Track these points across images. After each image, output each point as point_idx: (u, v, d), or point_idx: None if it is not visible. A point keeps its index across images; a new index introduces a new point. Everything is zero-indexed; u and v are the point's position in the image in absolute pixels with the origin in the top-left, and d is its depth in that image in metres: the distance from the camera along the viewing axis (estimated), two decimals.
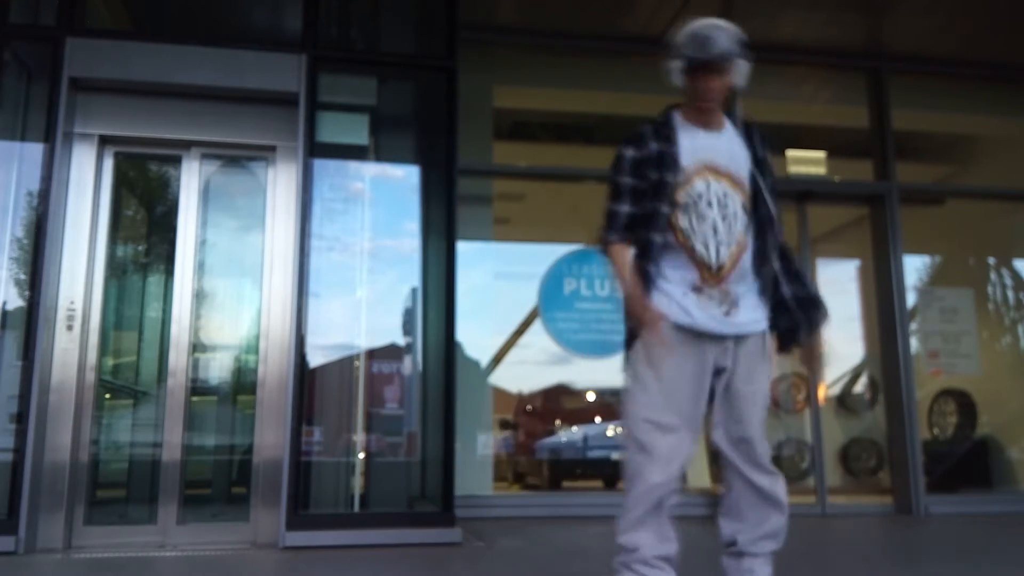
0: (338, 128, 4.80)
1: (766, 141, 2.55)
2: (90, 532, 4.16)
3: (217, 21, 4.82)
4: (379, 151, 4.92)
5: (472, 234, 5.85)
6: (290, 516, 4.07)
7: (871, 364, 6.57)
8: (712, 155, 2.45)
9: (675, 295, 2.39)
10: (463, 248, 4.76)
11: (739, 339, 2.42)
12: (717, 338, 2.39)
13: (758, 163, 2.51)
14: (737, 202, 2.43)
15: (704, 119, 2.49)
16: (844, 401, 6.90)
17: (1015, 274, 6.81)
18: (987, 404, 6.52)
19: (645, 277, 2.41)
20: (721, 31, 2.41)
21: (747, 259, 2.44)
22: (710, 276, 2.39)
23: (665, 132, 2.47)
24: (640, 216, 2.43)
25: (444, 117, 4.72)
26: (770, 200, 2.49)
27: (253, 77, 4.50)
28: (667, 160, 2.42)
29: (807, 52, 6.18)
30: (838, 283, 7.01)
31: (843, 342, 6.89)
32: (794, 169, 6.31)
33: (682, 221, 2.41)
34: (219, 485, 4.48)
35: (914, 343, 6.13)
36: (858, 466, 6.65)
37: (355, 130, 4.87)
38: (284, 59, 4.53)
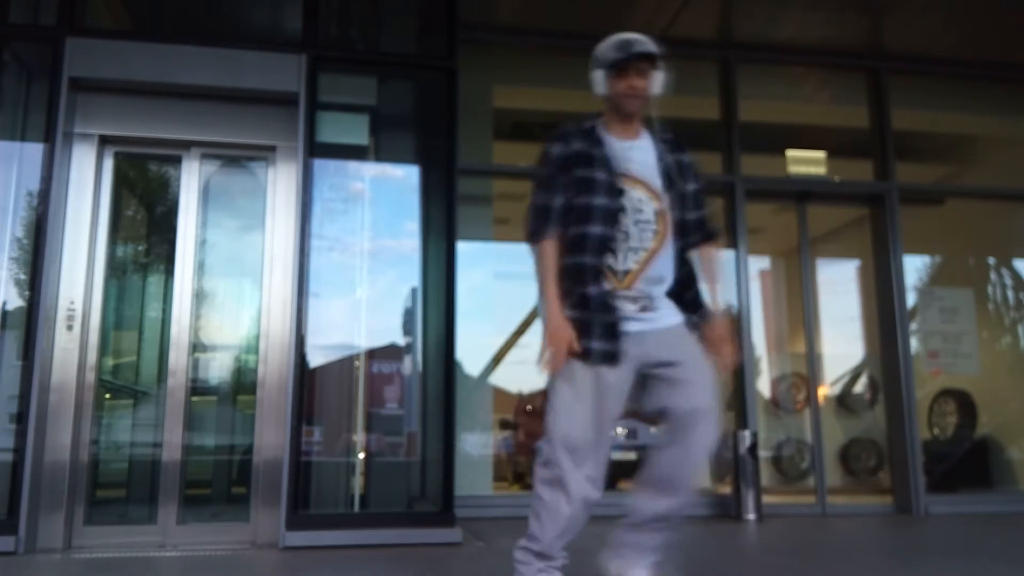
0: (338, 128, 4.80)
1: (685, 148, 2.65)
2: (90, 532, 4.16)
3: (217, 21, 4.82)
4: (379, 151, 4.92)
5: (472, 234, 5.85)
6: (290, 516, 4.07)
7: (871, 364, 6.57)
8: (628, 165, 2.52)
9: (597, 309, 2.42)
10: (463, 248, 4.76)
11: (658, 334, 2.46)
12: (635, 337, 2.43)
13: (680, 169, 2.59)
14: (651, 209, 2.50)
15: (623, 129, 2.57)
16: (844, 401, 6.90)
17: (1015, 274, 6.81)
18: (987, 404, 6.52)
19: (581, 271, 2.44)
20: (642, 38, 2.51)
21: (659, 265, 2.49)
22: (617, 283, 2.46)
23: (590, 137, 2.55)
24: (573, 210, 2.49)
25: (444, 117, 4.72)
26: (690, 203, 2.59)
27: (253, 77, 4.50)
28: (596, 160, 2.50)
29: (807, 52, 6.18)
30: (838, 283, 7.01)
31: (843, 342, 6.90)
32: (794, 169, 6.32)
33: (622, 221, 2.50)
34: (219, 485, 4.48)
35: (914, 343, 6.13)
36: (858, 466, 6.65)
37: (355, 130, 4.87)
38: (284, 59, 4.53)
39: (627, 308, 2.44)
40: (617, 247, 2.46)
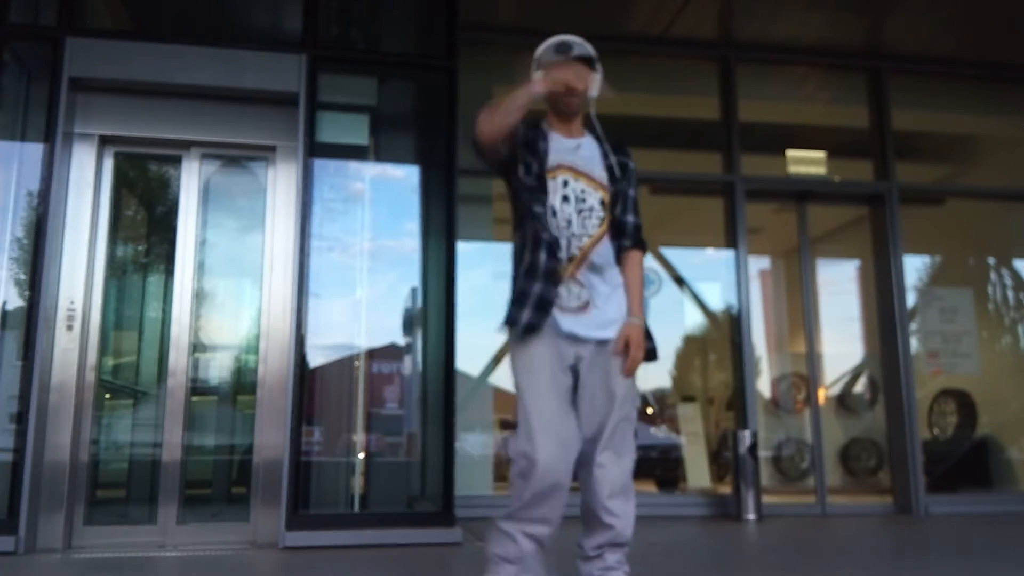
0: (338, 128, 4.80)
1: (628, 152, 2.69)
2: (90, 532, 4.16)
3: (217, 21, 4.82)
4: (379, 151, 4.93)
5: (472, 234, 5.85)
6: (290, 516, 4.07)
7: (871, 364, 6.58)
8: (572, 158, 2.58)
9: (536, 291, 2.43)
10: (463, 248, 4.76)
11: (597, 343, 2.46)
12: (573, 339, 2.43)
13: (623, 170, 2.65)
14: (595, 198, 2.55)
15: (565, 128, 2.63)
16: (844, 401, 6.90)
17: (1015, 274, 6.82)
18: (987, 404, 6.52)
19: (535, 240, 2.47)
20: (578, 40, 2.58)
21: (601, 253, 2.52)
22: (561, 270, 2.46)
23: (536, 130, 2.62)
24: (526, 185, 2.56)
25: (444, 117, 4.72)
26: (629, 206, 2.64)
27: (253, 77, 4.50)
28: (537, 149, 2.56)
29: (807, 52, 6.18)
30: (838, 283, 7.01)
31: (843, 342, 6.90)
32: (794, 169, 6.32)
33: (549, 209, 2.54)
34: (219, 485, 4.48)
35: (914, 343, 6.14)
36: (858, 466, 6.65)
37: (355, 130, 4.87)
38: (284, 59, 4.53)
39: (566, 300, 2.44)
40: (560, 234, 2.49)
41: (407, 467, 4.56)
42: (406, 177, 4.96)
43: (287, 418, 4.16)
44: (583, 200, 2.53)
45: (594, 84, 2.60)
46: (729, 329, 6.00)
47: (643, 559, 3.65)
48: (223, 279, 4.59)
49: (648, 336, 2.54)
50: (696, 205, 6.70)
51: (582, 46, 2.58)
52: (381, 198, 4.79)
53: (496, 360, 6.04)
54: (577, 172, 2.56)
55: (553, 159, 2.56)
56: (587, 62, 2.58)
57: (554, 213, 2.50)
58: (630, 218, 2.64)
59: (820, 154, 6.39)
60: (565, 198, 2.52)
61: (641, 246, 2.66)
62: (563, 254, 2.47)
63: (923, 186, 6.56)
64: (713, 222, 6.04)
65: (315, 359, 4.42)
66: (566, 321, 2.42)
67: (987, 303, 6.71)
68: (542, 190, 2.52)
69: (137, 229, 4.64)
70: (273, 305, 4.46)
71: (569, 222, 2.50)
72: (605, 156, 2.63)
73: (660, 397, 7.35)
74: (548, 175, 2.54)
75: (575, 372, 2.46)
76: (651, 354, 2.53)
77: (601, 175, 2.59)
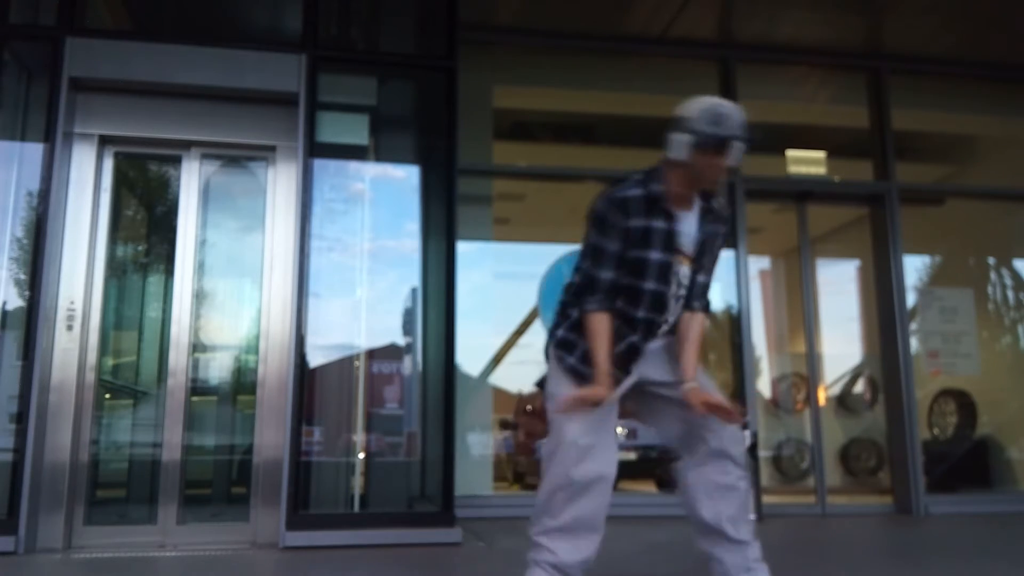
0: (338, 128, 4.80)
1: (726, 220, 2.57)
2: (90, 532, 4.16)
3: (217, 21, 4.82)
4: (379, 151, 4.92)
5: (472, 234, 5.85)
6: (290, 516, 4.07)
7: (871, 364, 6.57)
8: (684, 240, 2.48)
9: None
10: (463, 248, 4.76)
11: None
12: None
13: (715, 240, 2.54)
14: (688, 279, 2.50)
15: (686, 199, 2.47)
16: (844, 401, 6.90)
17: (1015, 274, 6.81)
18: (987, 404, 6.52)
19: (632, 352, 2.50)
20: (736, 110, 2.35)
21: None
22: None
23: (656, 208, 2.42)
24: (622, 286, 2.46)
25: (444, 117, 4.72)
26: (705, 269, 2.56)
27: (253, 77, 4.50)
28: (654, 238, 2.41)
29: (807, 52, 6.18)
30: (838, 283, 7.01)
31: (843, 342, 6.90)
32: (794, 169, 6.31)
33: (669, 299, 2.50)
34: (219, 485, 4.48)
35: (914, 343, 6.13)
36: (858, 466, 6.65)
37: (355, 130, 4.87)
38: (284, 59, 4.53)
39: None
40: (659, 319, 2.50)
41: (407, 467, 4.56)
42: (406, 177, 4.96)
43: (287, 418, 4.16)
44: (681, 285, 2.48)
45: (736, 155, 2.36)
46: (729, 329, 5.99)
47: (643, 559, 3.65)
48: (223, 279, 4.59)
49: None
50: None
51: (742, 126, 2.33)
52: (381, 198, 4.79)
53: (496, 360, 6.04)
54: (683, 256, 2.47)
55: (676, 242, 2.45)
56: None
57: (664, 308, 2.48)
58: (701, 278, 2.54)
59: (820, 154, 6.39)
60: (679, 284, 2.48)
61: (706, 308, 2.59)
62: (659, 331, 2.52)
63: (923, 186, 6.56)
64: None
65: (315, 359, 4.41)
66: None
67: (987, 303, 6.71)
68: (654, 272, 2.44)
69: (137, 229, 4.64)
70: (273, 305, 4.46)
71: (668, 310, 2.48)
72: (701, 227, 2.49)
73: None
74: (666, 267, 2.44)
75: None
76: None
77: (693, 250, 2.49)
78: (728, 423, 2.44)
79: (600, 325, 2.41)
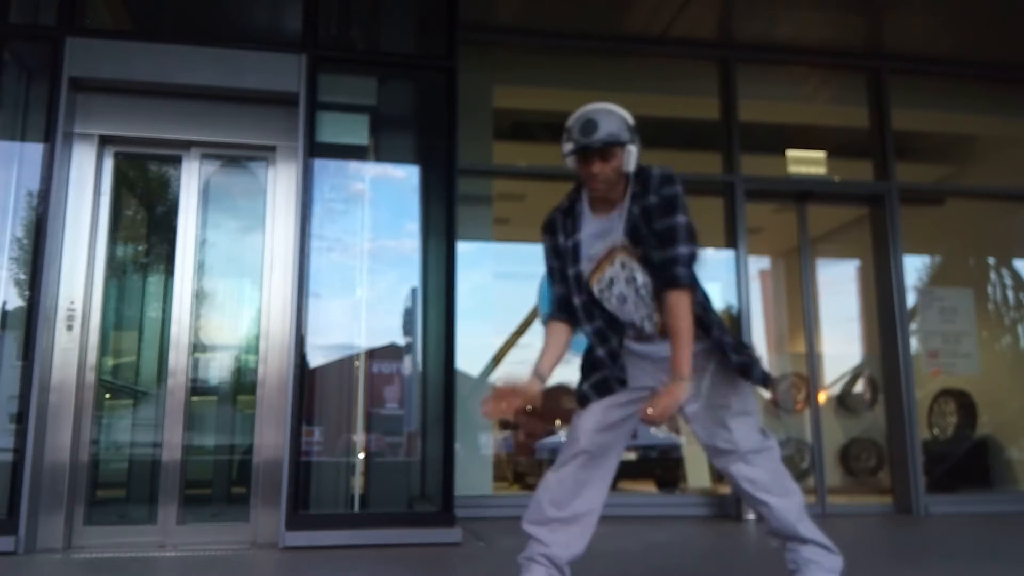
0: (338, 128, 4.80)
1: (649, 189, 2.46)
2: (90, 532, 4.16)
3: (217, 21, 4.82)
4: (379, 151, 4.93)
5: (472, 234, 5.85)
6: (290, 516, 4.07)
7: (871, 364, 6.57)
8: (597, 243, 2.52)
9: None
10: (463, 248, 4.76)
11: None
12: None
13: (645, 214, 2.45)
14: (642, 272, 2.48)
15: (607, 201, 2.52)
16: (844, 401, 6.90)
17: (1015, 274, 6.81)
18: (987, 404, 6.52)
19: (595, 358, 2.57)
20: (607, 115, 2.39)
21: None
22: (642, 338, 2.56)
23: (569, 222, 2.57)
24: (570, 298, 2.57)
25: (444, 117, 4.72)
26: (653, 244, 2.43)
27: (253, 77, 4.50)
28: (569, 253, 2.55)
29: (807, 52, 6.18)
30: (838, 283, 7.01)
31: (843, 342, 6.90)
32: (794, 169, 6.32)
33: (607, 305, 2.54)
34: (219, 485, 4.48)
35: (914, 343, 6.13)
36: (858, 466, 6.65)
37: (355, 130, 4.87)
38: (284, 59, 4.53)
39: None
40: (616, 329, 2.54)
41: (407, 467, 4.56)
42: (406, 177, 4.96)
43: (287, 418, 4.16)
44: (633, 278, 2.49)
45: (630, 159, 2.42)
46: (729, 329, 5.99)
47: (643, 559, 3.65)
48: (223, 279, 4.59)
49: (741, 351, 2.51)
50: (696, 205, 6.59)
51: (603, 133, 2.35)
52: (381, 198, 4.79)
53: (496, 360, 6.05)
54: (616, 252, 2.49)
55: (592, 247, 2.54)
56: (614, 145, 2.38)
57: (618, 302, 2.53)
58: (655, 254, 2.42)
59: (820, 154, 6.39)
60: (626, 280, 2.51)
61: (671, 283, 2.37)
62: (647, 331, 2.55)
63: (923, 186, 6.56)
64: (713, 222, 6.04)
65: (315, 359, 4.42)
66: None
67: (987, 303, 6.71)
68: (582, 294, 2.58)
69: (137, 229, 4.64)
70: (273, 305, 4.46)
71: (636, 304, 2.51)
72: (629, 216, 2.48)
73: None
74: (592, 273, 2.54)
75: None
76: (745, 369, 2.49)
77: (615, 240, 2.50)
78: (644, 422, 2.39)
79: (547, 335, 2.59)
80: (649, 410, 2.28)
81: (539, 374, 2.49)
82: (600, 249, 2.51)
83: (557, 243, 2.59)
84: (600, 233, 2.52)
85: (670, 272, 2.38)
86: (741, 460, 2.52)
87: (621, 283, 2.49)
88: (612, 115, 2.40)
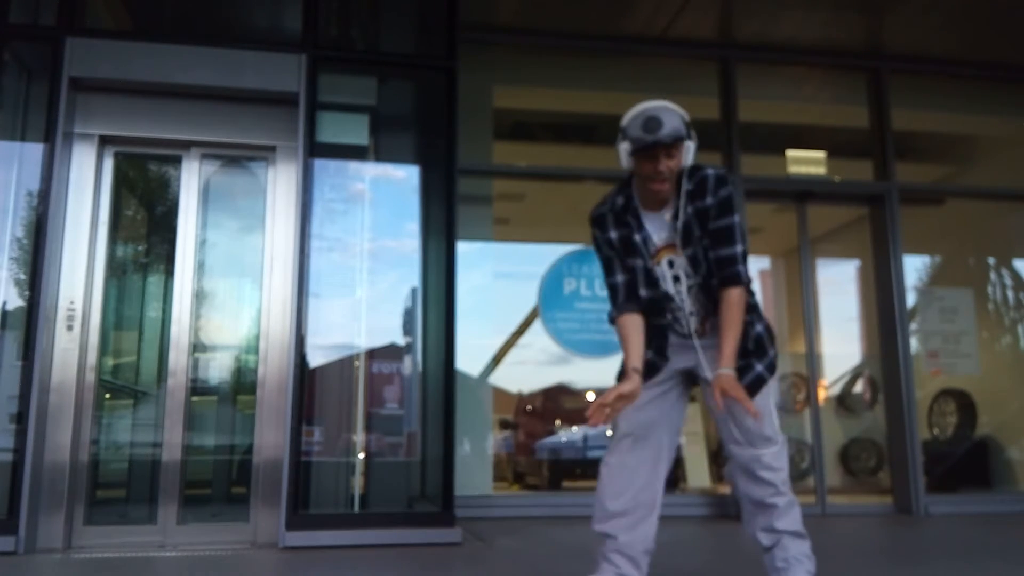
0: (338, 128, 4.80)
1: (706, 192, 2.48)
2: (90, 532, 4.16)
3: (217, 21, 4.82)
4: (379, 151, 4.93)
5: (472, 234, 5.85)
6: (290, 516, 4.07)
7: (871, 364, 6.57)
8: (657, 239, 2.54)
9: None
10: (463, 248, 4.77)
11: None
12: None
13: (699, 216, 2.49)
14: (691, 266, 2.52)
15: (658, 199, 2.52)
16: (844, 401, 6.90)
17: (1015, 274, 6.81)
18: (987, 404, 6.52)
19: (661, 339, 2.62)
20: (668, 112, 2.38)
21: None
22: (681, 336, 2.63)
23: (623, 219, 2.56)
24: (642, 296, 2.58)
25: (444, 117, 4.72)
26: (712, 244, 2.49)
27: (253, 77, 4.50)
28: (631, 247, 2.55)
29: (807, 52, 6.18)
30: (838, 283, 7.01)
31: (843, 342, 6.90)
32: (794, 169, 6.32)
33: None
34: (219, 485, 4.48)
35: (914, 343, 6.14)
36: (858, 466, 6.65)
37: (355, 130, 4.87)
38: (284, 59, 4.54)
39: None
40: (679, 317, 2.59)
41: (407, 467, 4.56)
42: (406, 177, 4.96)
43: (287, 418, 4.16)
44: (690, 275, 2.53)
45: (688, 154, 2.43)
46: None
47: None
48: (223, 279, 4.59)
49: (760, 354, 2.54)
50: None
51: (669, 128, 2.34)
52: (381, 198, 4.79)
53: (496, 360, 6.04)
54: (670, 249, 2.52)
55: (653, 241, 2.55)
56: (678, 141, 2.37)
57: (667, 301, 2.58)
58: (713, 254, 2.49)
59: (820, 154, 6.39)
60: (675, 277, 2.54)
61: (732, 281, 2.46)
62: (685, 331, 2.61)
63: (923, 186, 6.57)
64: None
65: (315, 359, 4.42)
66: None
67: (987, 303, 6.71)
68: (652, 290, 2.59)
69: (137, 229, 4.64)
70: (273, 305, 4.46)
71: (683, 305, 2.57)
72: (683, 214, 2.49)
73: None
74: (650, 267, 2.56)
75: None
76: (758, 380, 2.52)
77: (672, 238, 2.52)
78: (748, 415, 2.44)
79: (622, 330, 2.55)
80: (718, 392, 2.35)
81: (635, 368, 2.48)
82: (660, 242, 2.54)
83: (610, 236, 2.58)
84: (658, 228, 2.55)
85: (731, 270, 2.47)
86: (751, 447, 2.56)
87: (669, 282, 2.54)
88: (672, 112, 2.40)
